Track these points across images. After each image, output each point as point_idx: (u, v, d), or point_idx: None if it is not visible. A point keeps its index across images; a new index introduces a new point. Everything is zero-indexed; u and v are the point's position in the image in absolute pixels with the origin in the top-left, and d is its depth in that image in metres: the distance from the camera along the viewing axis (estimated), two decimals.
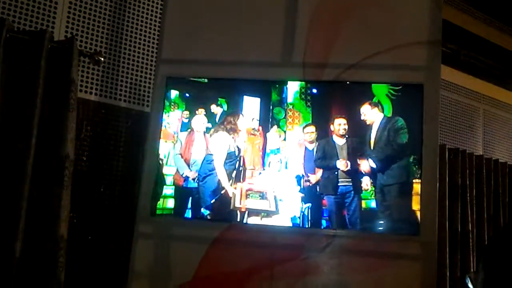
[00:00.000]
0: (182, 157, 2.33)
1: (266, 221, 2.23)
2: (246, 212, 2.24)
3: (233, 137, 2.31)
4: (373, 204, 2.18)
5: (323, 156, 2.24)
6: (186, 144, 2.35)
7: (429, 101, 2.20)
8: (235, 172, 2.29)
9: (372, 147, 2.21)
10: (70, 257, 2.23)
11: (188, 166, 2.33)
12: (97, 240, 2.60)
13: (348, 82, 2.28)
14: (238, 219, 2.24)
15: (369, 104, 2.22)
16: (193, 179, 2.31)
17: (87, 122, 2.62)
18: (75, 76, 2.30)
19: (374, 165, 2.18)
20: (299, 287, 2.16)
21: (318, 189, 2.23)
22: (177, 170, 2.33)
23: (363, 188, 2.19)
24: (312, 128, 2.28)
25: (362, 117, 2.22)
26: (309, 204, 2.22)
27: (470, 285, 1.22)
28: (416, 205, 2.14)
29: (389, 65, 2.26)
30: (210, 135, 2.33)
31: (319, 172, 2.24)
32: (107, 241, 2.62)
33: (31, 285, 2.14)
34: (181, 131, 2.35)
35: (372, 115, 2.21)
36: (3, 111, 2.18)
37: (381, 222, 2.19)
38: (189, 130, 2.35)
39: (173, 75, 2.39)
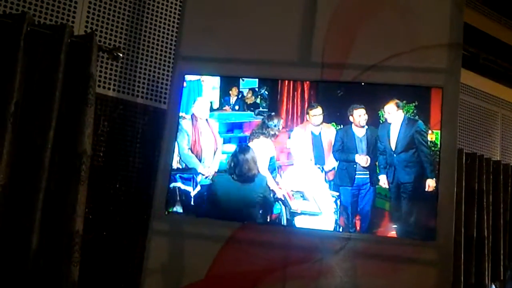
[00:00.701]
0: (192, 152, 2.33)
1: (313, 222, 2.21)
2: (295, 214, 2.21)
3: (272, 140, 2.27)
4: (387, 205, 2.17)
5: (342, 148, 2.21)
6: (194, 136, 2.33)
7: (448, 104, 2.17)
8: (274, 173, 2.27)
9: (393, 147, 2.18)
10: (84, 252, 2.24)
11: (200, 161, 2.33)
12: (112, 236, 2.61)
13: (363, 84, 2.25)
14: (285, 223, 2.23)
15: (395, 105, 2.19)
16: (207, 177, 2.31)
17: (104, 117, 2.63)
18: (94, 71, 2.31)
19: (393, 164, 2.17)
20: None
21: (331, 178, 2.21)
22: (193, 167, 2.33)
23: (381, 185, 2.17)
24: (319, 110, 2.23)
25: (386, 115, 2.19)
26: (337, 193, 2.20)
27: None
28: (432, 209, 2.11)
29: (409, 67, 2.23)
30: (252, 140, 2.28)
31: (329, 158, 2.21)
32: (122, 237, 2.63)
33: (46, 279, 2.15)
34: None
35: (395, 115, 2.18)
36: (22, 104, 2.19)
37: (396, 225, 2.17)
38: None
39: (191, 72, 2.39)
